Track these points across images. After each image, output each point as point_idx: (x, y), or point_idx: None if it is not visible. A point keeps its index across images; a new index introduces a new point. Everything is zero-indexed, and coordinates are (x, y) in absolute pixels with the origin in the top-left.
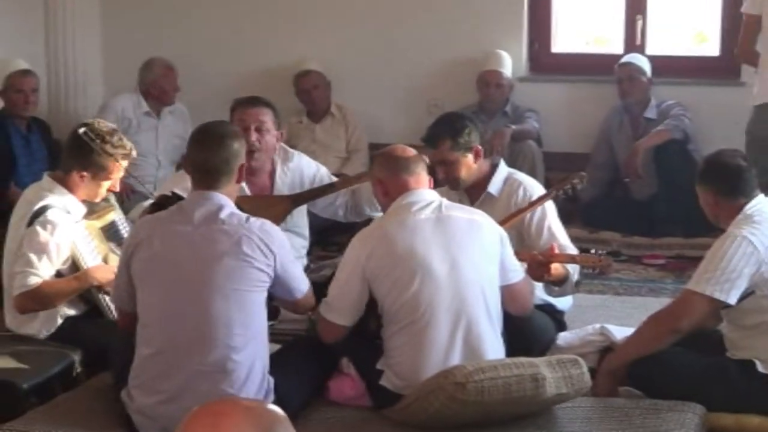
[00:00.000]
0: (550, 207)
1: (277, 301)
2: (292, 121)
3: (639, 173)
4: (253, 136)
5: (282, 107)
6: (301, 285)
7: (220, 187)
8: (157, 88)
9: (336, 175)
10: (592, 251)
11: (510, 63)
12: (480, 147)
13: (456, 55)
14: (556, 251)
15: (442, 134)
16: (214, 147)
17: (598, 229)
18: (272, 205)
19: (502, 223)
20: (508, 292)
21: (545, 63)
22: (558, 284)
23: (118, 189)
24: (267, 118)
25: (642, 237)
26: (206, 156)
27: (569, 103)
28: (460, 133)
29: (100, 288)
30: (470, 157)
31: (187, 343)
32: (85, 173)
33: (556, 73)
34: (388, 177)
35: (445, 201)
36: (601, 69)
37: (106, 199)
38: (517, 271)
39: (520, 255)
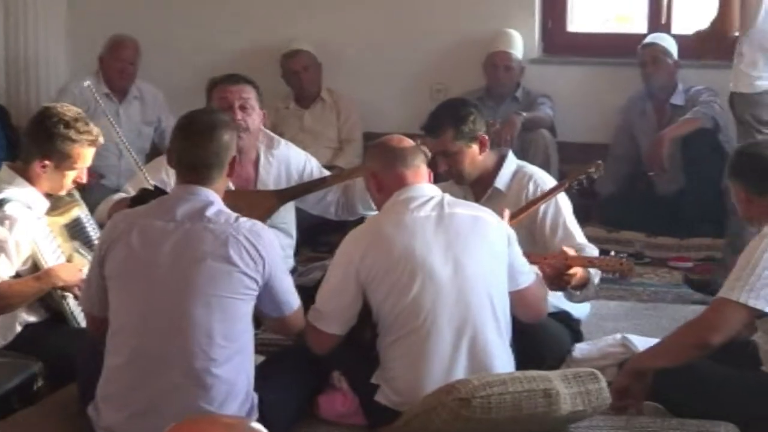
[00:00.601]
0: (564, 202)
1: (261, 318)
2: (278, 106)
3: (664, 166)
4: (239, 115)
5: (266, 91)
6: (291, 300)
7: (210, 182)
8: (104, 65)
9: (327, 168)
10: (612, 253)
11: (521, 43)
12: (485, 136)
13: (462, 34)
14: (572, 253)
15: (445, 122)
16: (204, 140)
17: (618, 228)
18: (257, 201)
19: (509, 219)
20: (518, 297)
21: (560, 43)
22: (579, 288)
23: (85, 180)
24: (251, 95)
25: (668, 237)
26: (194, 150)
27: (586, 88)
28: (464, 120)
29: (64, 290)
30: (475, 147)
31: (162, 353)
32: (47, 162)
33: (572, 54)
34: (383, 170)
35: (447, 197)
36: (622, 50)
37: (70, 194)
38: (528, 273)
39: (530, 257)
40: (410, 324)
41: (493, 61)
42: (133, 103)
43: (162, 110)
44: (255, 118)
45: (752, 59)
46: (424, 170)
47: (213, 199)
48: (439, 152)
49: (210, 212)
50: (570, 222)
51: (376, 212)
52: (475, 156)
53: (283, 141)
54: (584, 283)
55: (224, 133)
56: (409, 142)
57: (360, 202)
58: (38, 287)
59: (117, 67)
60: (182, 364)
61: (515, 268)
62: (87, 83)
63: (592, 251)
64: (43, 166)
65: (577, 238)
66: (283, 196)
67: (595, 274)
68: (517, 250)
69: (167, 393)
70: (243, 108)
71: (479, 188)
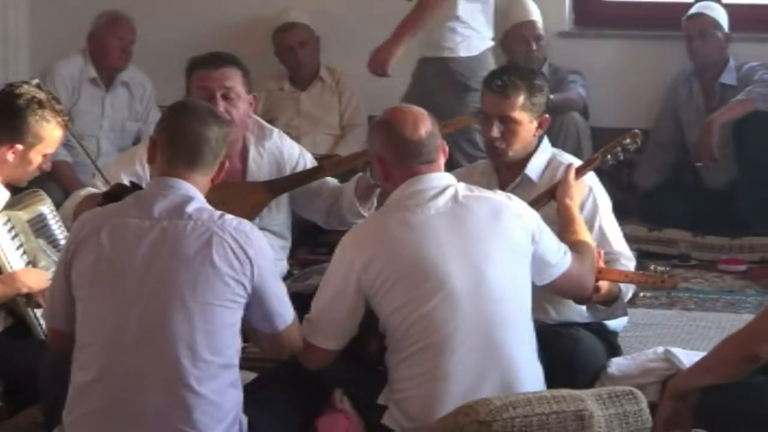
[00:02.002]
0: (603, 198)
1: (250, 334)
2: (271, 87)
3: (714, 155)
4: (221, 106)
5: (258, 71)
6: (285, 312)
7: (195, 170)
8: (96, 43)
9: (327, 157)
10: (652, 267)
11: (539, 12)
12: (547, 117)
13: None
14: (602, 264)
15: (519, 84)
16: (201, 119)
17: (661, 226)
18: (244, 195)
19: (534, 203)
20: (553, 287)
21: (594, 14)
22: (605, 304)
23: (48, 167)
24: (236, 80)
25: (717, 236)
26: (189, 125)
27: (624, 66)
28: (537, 91)
29: (29, 298)
30: (534, 125)
31: (137, 369)
32: (19, 146)
33: (608, 26)
34: (393, 162)
35: (461, 186)
36: (665, 22)
37: (33, 187)
38: (559, 264)
39: None
40: (424, 339)
41: (519, 33)
42: (120, 92)
43: (150, 104)
44: (241, 107)
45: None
46: (441, 160)
47: (194, 194)
48: (500, 115)
49: (190, 208)
50: (607, 223)
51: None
52: (530, 135)
53: (276, 131)
54: (612, 298)
55: (222, 125)
56: (425, 127)
57: (348, 213)
58: (1, 293)
59: (117, 46)
60: (161, 382)
61: (545, 261)
62: (35, 81)
63: (628, 263)
64: (13, 151)
65: (613, 244)
66: (275, 188)
67: (628, 290)
68: (546, 242)
69: (143, 415)
70: (226, 97)
71: (507, 173)
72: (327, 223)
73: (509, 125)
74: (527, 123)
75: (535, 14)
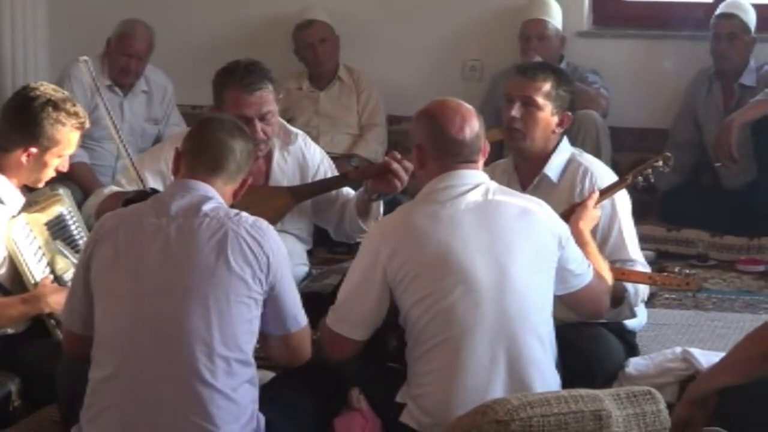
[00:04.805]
0: (623, 203)
1: (260, 339)
2: (290, 86)
3: (733, 156)
4: (259, 127)
5: (278, 69)
6: (299, 314)
7: (216, 176)
8: (108, 54)
9: (345, 157)
10: (677, 269)
11: (559, 12)
12: (569, 115)
13: (498, 2)
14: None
15: (548, 71)
16: (227, 130)
17: (679, 226)
18: (268, 199)
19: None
20: (572, 299)
21: (613, 13)
22: (612, 305)
23: (66, 169)
24: (271, 101)
25: (736, 236)
26: (215, 134)
27: (643, 66)
28: (564, 84)
29: (50, 316)
30: (555, 119)
31: (154, 365)
32: (34, 150)
33: (627, 26)
34: (434, 156)
35: (493, 185)
36: (683, 22)
37: (52, 187)
38: (583, 274)
39: None
40: (444, 333)
41: (525, 30)
42: (140, 97)
43: (169, 107)
44: (275, 122)
45: None
46: (480, 158)
47: (212, 195)
48: (523, 96)
49: (207, 207)
50: (626, 228)
51: None
52: (549, 128)
53: (300, 135)
54: (618, 299)
55: (248, 140)
56: (471, 128)
57: (350, 228)
58: (24, 311)
59: (120, 63)
60: (176, 377)
61: (568, 270)
62: (84, 58)
63: (645, 270)
64: (28, 155)
65: (630, 252)
66: (299, 194)
67: (638, 292)
68: (571, 252)
69: (160, 410)
70: (263, 118)
71: (526, 173)
72: (336, 234)
73: (530, 108)
74: (549, 113)
75: (546, 13)
